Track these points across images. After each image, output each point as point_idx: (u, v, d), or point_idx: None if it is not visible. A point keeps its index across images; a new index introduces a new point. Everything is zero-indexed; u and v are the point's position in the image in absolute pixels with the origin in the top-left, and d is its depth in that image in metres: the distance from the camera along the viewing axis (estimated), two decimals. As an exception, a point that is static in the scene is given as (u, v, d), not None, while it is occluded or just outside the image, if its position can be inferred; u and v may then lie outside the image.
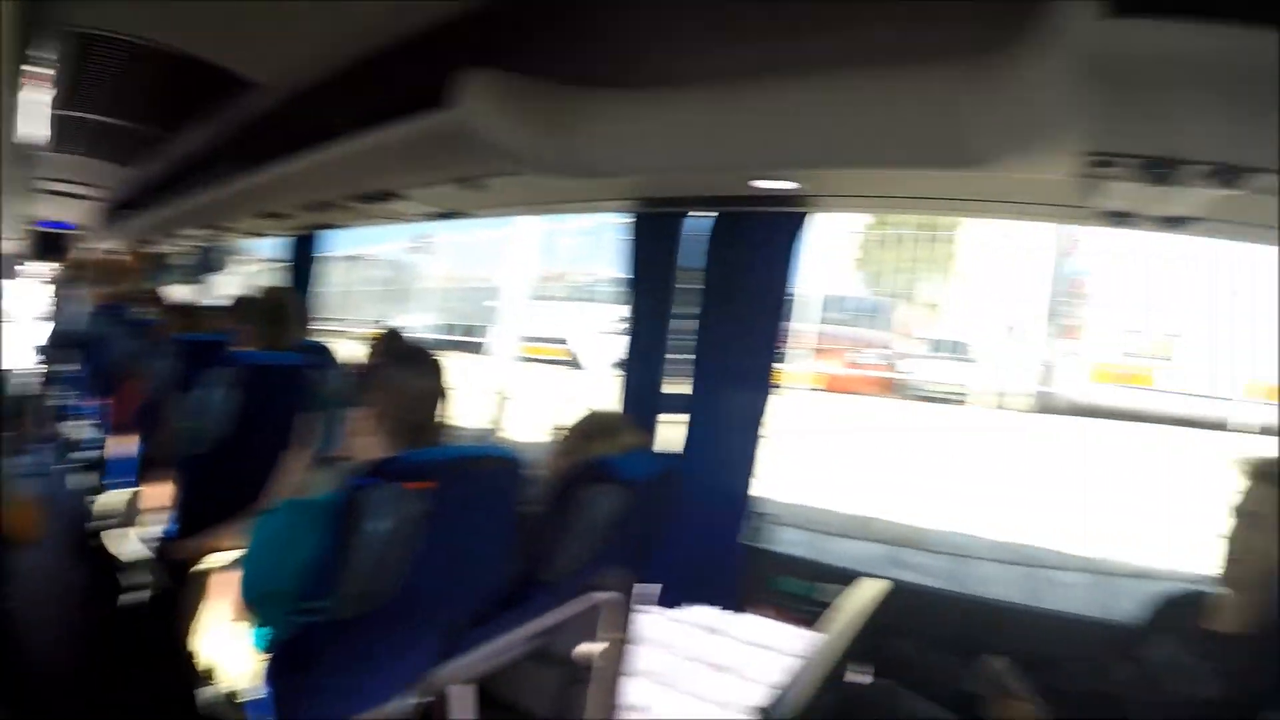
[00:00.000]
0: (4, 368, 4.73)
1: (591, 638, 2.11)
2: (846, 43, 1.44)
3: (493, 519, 1.68)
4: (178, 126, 3.94)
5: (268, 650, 1.68)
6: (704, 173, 2.32)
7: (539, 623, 1.94)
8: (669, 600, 2.54)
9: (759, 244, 2.73)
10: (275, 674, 1.64)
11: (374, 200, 3.36)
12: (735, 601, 2.77)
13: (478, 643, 1.79)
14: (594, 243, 11.56)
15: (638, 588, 2.19)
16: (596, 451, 2.04)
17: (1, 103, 2.69)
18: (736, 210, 2.72)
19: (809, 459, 7.27)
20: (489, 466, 1.64)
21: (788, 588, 2.85)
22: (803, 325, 10.18)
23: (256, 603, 1.70)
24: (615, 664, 2.17)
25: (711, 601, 2.74)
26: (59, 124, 4.09)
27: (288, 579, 1.56)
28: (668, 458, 2.19)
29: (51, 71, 3.01)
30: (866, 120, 1.49)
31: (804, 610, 2.66)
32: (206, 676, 2.04)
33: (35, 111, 3.47)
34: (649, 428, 2.78)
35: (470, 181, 2.73)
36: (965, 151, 1.49)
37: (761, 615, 2.78)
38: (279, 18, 2.47)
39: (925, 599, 2.65)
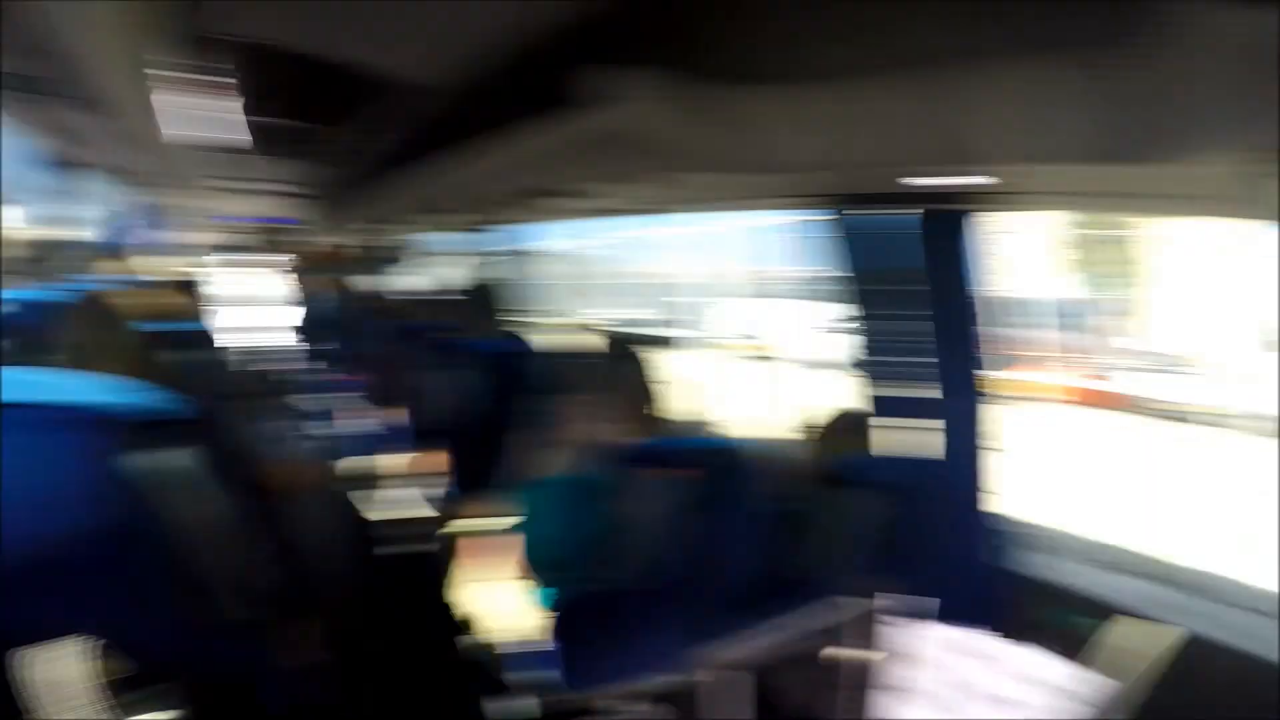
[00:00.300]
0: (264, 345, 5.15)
1: (840, 643, 2.07)
2: (1018, 31, 1.29)
3: (747, 513, 1.70)
4: (355, 128, 4.15)
5: (553, 609, 1.82)
6: (863, 170, 2.11)
7: (789, 621, 1.94)
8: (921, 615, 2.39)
9: (944, 242, 2.47)
10: (546, 634, 1.79)
11: (548, 196, 3.35)
12: (984, 623, 2.58)
13: (731, 633, 1.82)
14: (797, 239, 11.13)
15: (894, 599, 2.12)
16: (845, 451, 2.08)
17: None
18: (908, 208, 2.46)
19: (1046, 476, 6.65)
20: (744, 459, 1.67)
21: (1058, 620, 2.62)
22: (1010, 329, 9.17)
23: (540, 567, 1.83)
24: (863, 674, 2.07)
25: (962, 621, 2.57)
26: (264, 129, 4.37)
27: (565, 549, 1.72)
28: (895, 464, 2.05)
29: (222, 83, 3.17)
30: (1043, 112, 1.39)
31: (1065, 644, 2.43)
32: (466, 627, 2.24)
33: (227, 117, 3.73)
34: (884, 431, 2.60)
35: (646, 178, 2.67)
36: (1146, 145, 1.37)
37: (1014, 640, 2.58)
38: (420, 18, 2.48)
39: (1225, 655, 2.27)
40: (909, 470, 2.08)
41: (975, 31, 1.34)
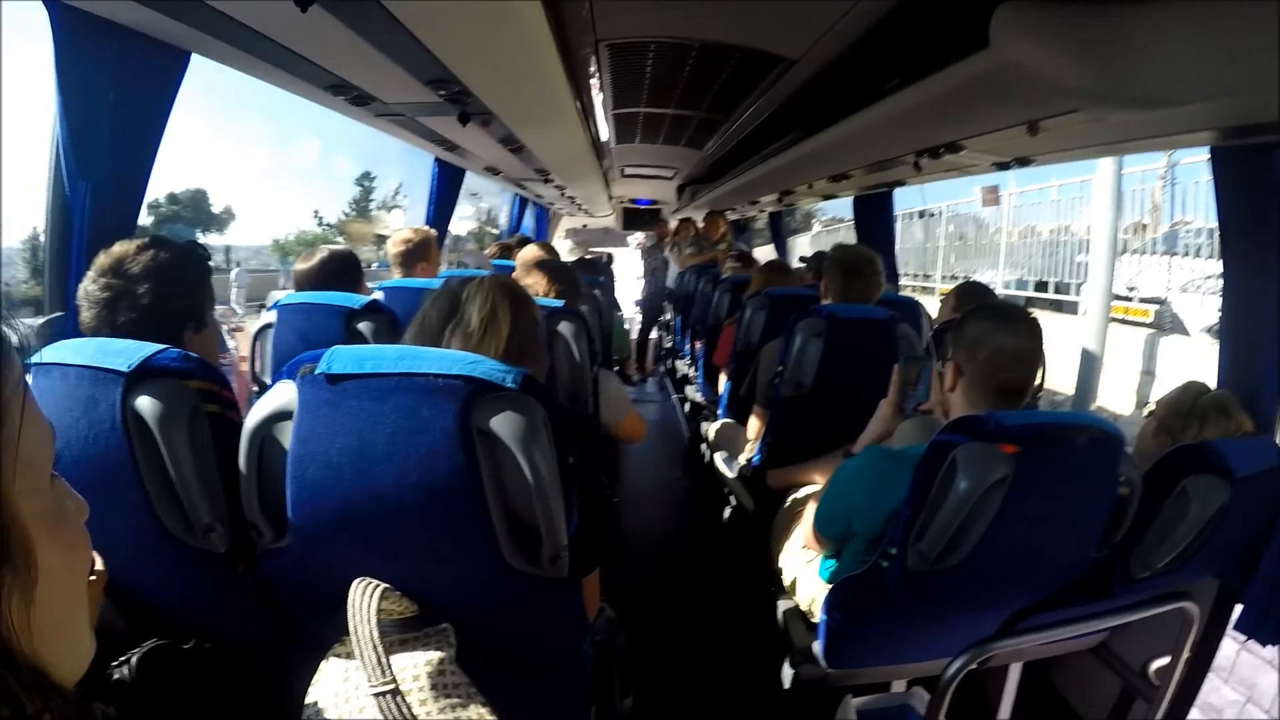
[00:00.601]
0: (621, 315, 5.54)
1: (1163, 649, 1.84)
2: None
3: (1081, 495, 1.54)
4: (732, 108, 4.23)
5: (830, 582, 1.82)
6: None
7: (1109, 619, 1.75)
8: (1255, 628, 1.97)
9: None
10: (835, 606, 1.76)
11: (934, 154, 3.23)
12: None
13: (1042, 624, 1.68)
14: (1190, 185, 9.51)
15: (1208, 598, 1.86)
16: (1198, 434, 1.84)
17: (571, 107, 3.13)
18: None
19: None
20: (1084, 438, 1.50)
21: None
22: None
23: (832, 538, 1.84)
24: (1186, 686, 1.86)
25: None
26: (629, 120, 4.72)
27: (865, 522, 1.68)
28: (1278, 450, 1.72)
29: (605, 79, 3.46)
30: None
31: None
32: (784, 591, 2.24)
33: (603, 112, 4.06)
34: (1260, 411, 2.18)
35: (1029, 125, 2.46)
36: None
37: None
38: None
39: None
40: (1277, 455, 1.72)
41: None
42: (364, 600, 1.07)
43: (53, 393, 1.26)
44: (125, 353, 1.28)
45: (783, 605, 2.19)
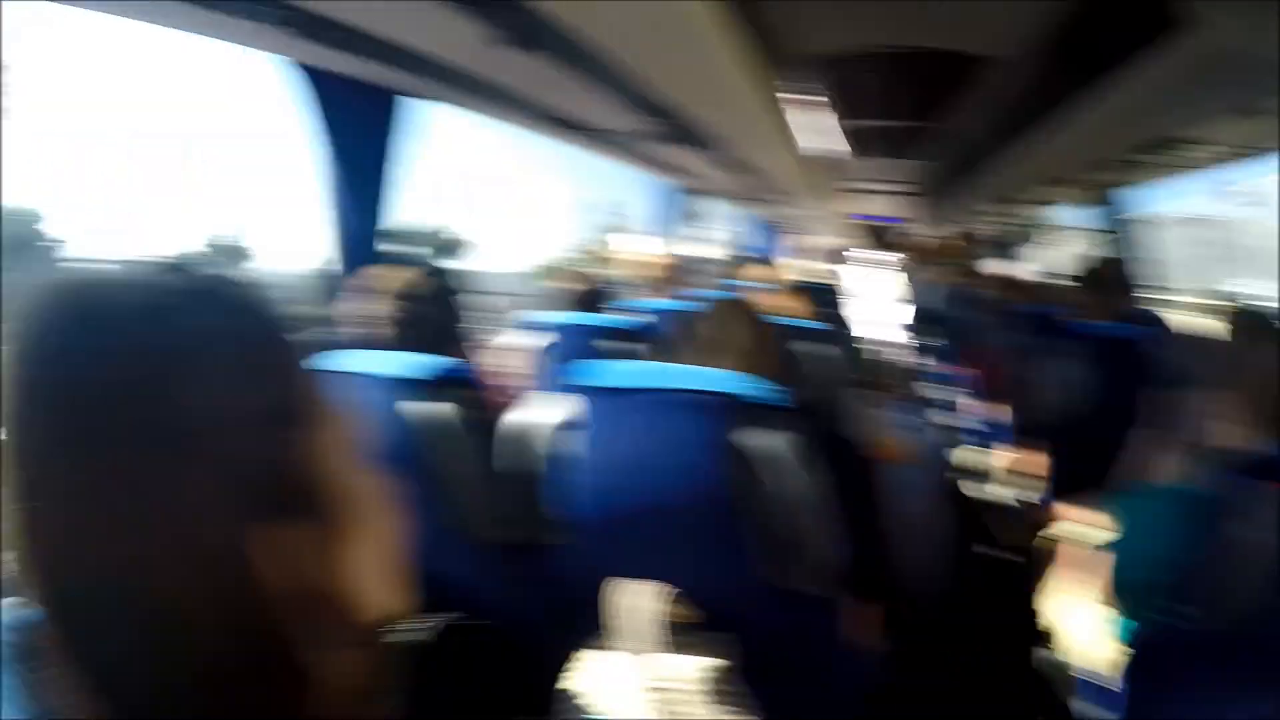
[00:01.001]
0: (878, 339, 5.42)
1: None
2: None
3: None
4: (944, 116, 4.10)
5: (1130, 644, 1.58)
6: None
7: None
8: None
9: None
10: (1133, 672, 1.55)
11: (1161, 149, 2.97)
12: None
13: None
14: None
15: None
16: None
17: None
18: None
19: None
20: None
21: None
22: None
23: (1123, 591, 1.60)
24: None
25: None
26: (856, 134, 4.61)
27: (1156, 571, 1.45)
28: None
29: (813, 94, 3.39)
30: None
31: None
32: (1046, 639, 2.08)
33: (826, 127, 3.99)
34: None
35: (1251, 109, 2.25)
36: None
37: None
38: None
39: None
40: None
41: None
42: (647, 602, 1.12)
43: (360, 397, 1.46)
44: (423, 364, 1.47)
45: (1048, 658, 2.04)
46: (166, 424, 0.46)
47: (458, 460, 1.43)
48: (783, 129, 3.45)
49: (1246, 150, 2.99)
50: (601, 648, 1.13)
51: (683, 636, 1.11)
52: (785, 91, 3.19)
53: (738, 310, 1.52)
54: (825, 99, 3.74)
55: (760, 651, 1.18)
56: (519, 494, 1.33)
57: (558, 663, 1.18)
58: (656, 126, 2.81)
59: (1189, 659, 1.34)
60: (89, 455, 0.45)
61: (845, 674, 1.43)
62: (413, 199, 2.61)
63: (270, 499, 0.49)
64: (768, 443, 1.13)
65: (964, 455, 3.73)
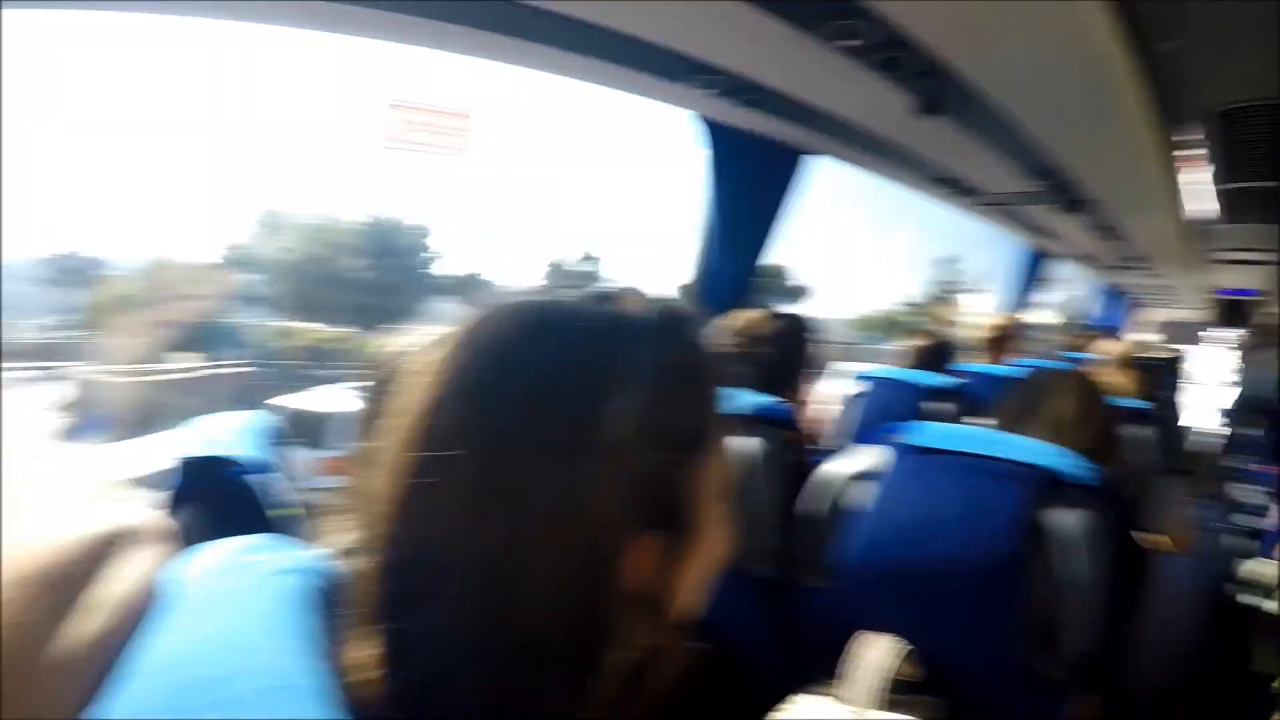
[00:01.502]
0: (1188, 425, 4.94)
1: None
2: None
3: None
4: None
5: None
6: None
7: None
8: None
9: None
10: None
11: None
12: None
13: None
14: None
15: None
16: None
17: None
18: None
19: None
20: None
21: None
22: None
23: None
24: None
25: None
26: (1227, 196, 4.25)
27: None
28: None
29: (1205, 150, 3.20)
30: None
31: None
32: None
33: (1200, 189, 3.74)
34: None
35: None
36: None
37: None
38: None
39: None
40: None
41: None
42: (878, 654, 1.13)
43: None
44: (745, 399, 1.55)
45: None
46: (588, 433, 0.51)
47: (758, 494, 1.50)
48: (1171, 192, 3.28)
49: None
50: (823, 692, 1.15)
51: (902, 694, 1.11)
52: (1179, 149, 3.07)
53: (1069, 382, 1.49)
54: (1212, 157, 3.52)
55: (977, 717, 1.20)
56: (807, 534, 1.37)
57: (778, 696, 1.19)
58: (1040, 189, 2.79)
59: None
60: (506, 448, 0.51)
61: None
62: (779, 243, 2.80)
63: (658, 512, 0.55)
64: (1065, 521, 1.10)
65: (1255, 566, 3.34)
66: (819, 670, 1.21)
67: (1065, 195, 2.80)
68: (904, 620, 1.19)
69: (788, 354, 2.00)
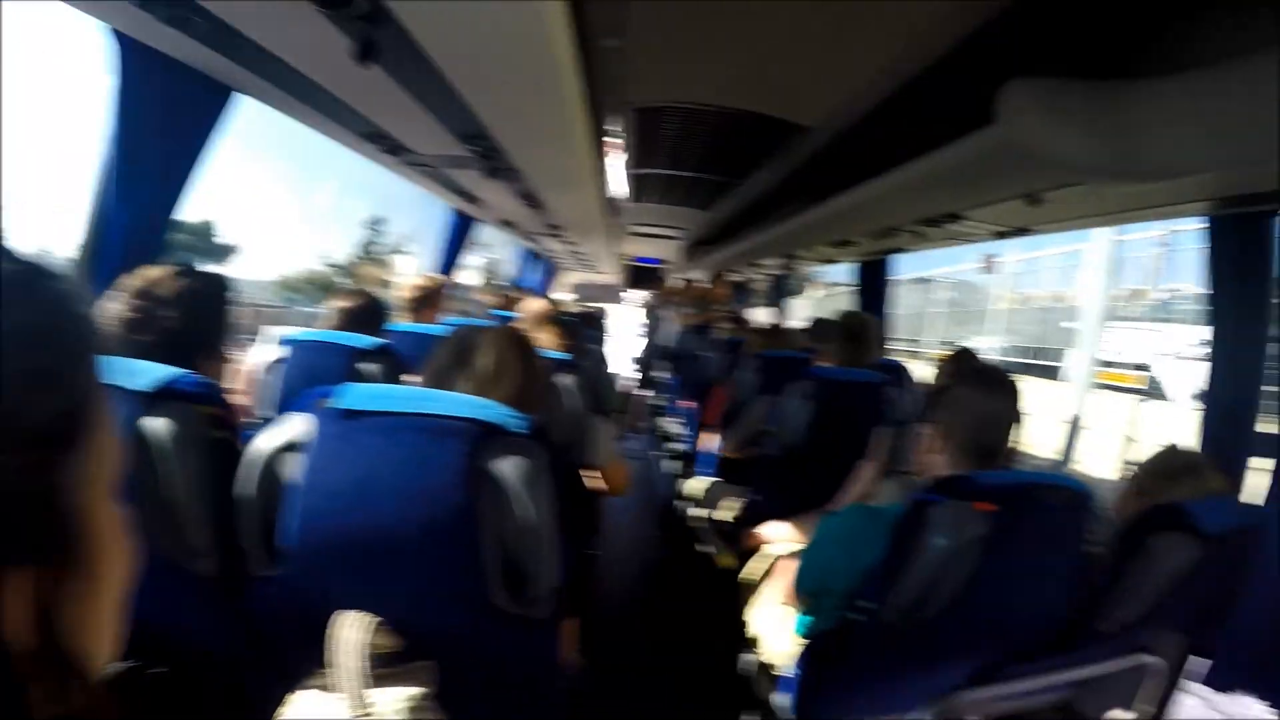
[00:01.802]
0: (612, 372, 5.60)
1: (1126, 704, 1.85)
2: None
3: (1055, 553, 1.59)
4: (743, 172, 4.42)
5: (807, 637, 1.85)
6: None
7: (1074, 673, 1.76)
8: (1224, 683, 2.02)
9: None
10: (809, 661, 1.80)
11: (937, 224, 3.33)
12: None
13: (1011, 678, 1.69)
14: (1175, 254, 9.94)
15: (1193, 660, 1.88)
16: (1173, 494, 1.86)
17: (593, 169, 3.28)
18: None
19: None
20: (1059, 498, 1.56)
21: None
22: None
23: (810, 593, 1.86)
24: None
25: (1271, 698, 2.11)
26: (641, 180, 4.88)
27: (844, 578, 1.70)
28: (1252, 510, 1.82)
29: (622, 140, 3.61)
30: None
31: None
32: (751, 645, 2.26)
33: (618, 172, 4.22)
34: (1235, 472, 2.30)
35: (1032, 197, 2.58)
36: None
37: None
38: (815, 68, 2.64)
39: None
40: (1247, 515, 1.76)
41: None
42: (351, 633, 1.09)
43: None
44: (145, 373, 1.32)
45: (750, 660, 2.22)
46: None
47: (177, 483, 1.30)
48: (597, 171, 3.57)
49: (1016, 229, 3.39)
50: (313, 685, 1.11)
51: (386, 667, 1.10)
52: (607, 136, 3.30)
53: (491, 337, 1.50)
54: (627, 146, 3.94)
55: (469, 676, 1.22)
56: (244, 520, 1.20)
57: (263, 702, 1.13)
58: (469, 154, 2.81)
59: (862, 646, 1.60)
60: None
61: (552, 693, 1.41)
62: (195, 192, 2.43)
63: (22, 537, 0.42)
64: (504, 468, 1.12)
65: (690, 483, 3.96)
66: (292, 662, 1.14)
67: (492, 163, 2.89)
68: (368, 591, 1.14)
69: (199, 318, 1.70)
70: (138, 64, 2.13)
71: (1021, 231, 3.43)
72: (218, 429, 1.36)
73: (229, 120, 2.38)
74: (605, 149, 3.57)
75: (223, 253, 34.61)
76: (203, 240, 32.27)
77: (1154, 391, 8.65)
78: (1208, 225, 2.52)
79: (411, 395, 1.17)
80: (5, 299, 0.41)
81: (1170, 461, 1.98)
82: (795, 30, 2.37)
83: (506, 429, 1.14)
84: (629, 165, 4.45)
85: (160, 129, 2.20)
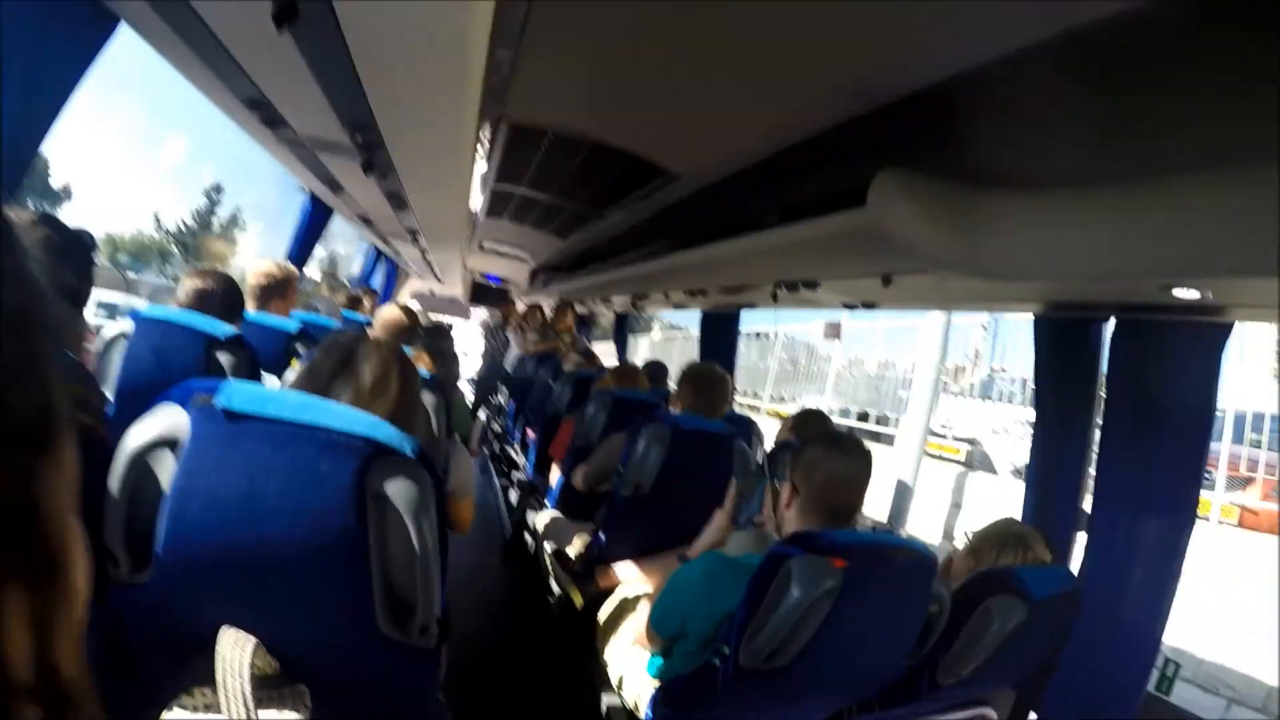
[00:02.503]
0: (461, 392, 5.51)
1: None
2: (1255, 138, 1.27)
3: (898, 608, 1.69)
4: (603, 205, 4.44)
5: (659, 678, 1.92)
6: (1110, 279, 2.09)
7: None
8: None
9: (1174, 354, 2.35)
10: (663, 702, 1.86)
11: (795, 288, 3.45)
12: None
13: None
14: (1009, 337, 11.00)
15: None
16: (1002, 560, 2.05)
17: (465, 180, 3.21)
18: (1149, 318, 2.39)
19: (1225, 607, 5.86)
20: (904, 558, 1.67)
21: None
22: (1223, 447, 7.52)
23: (666, 636, 1.90)
24: None
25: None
26: (502, 196, 4.81)
27: (701, 623, 1.76)
28: (1071, 578, 2.02)
29: (490, 153, 3.56)
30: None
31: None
32: (610, 687, 2.28)
33: (484, 185, 4.16)
34: (1060, 544, 2.53)
35: (884, 277, 2.73)
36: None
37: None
38: (696, 121, 2.69)
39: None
40: (1068, 582, 1.99)
41: (1222, 136, 1.34)
42: (236, 653, 1.03)
43: None
44: None
45: (607, 701, 2.23)
46: None
47: None
48: (465, 181, 3.49)
49: (865, 303, 3.57)
50: (178, 703, 1.07)
51: (270, 689, 1.08)
52: (480, 145, 3.22)
53: (375, 349, 1.44)
54: (505, 161, 3.93)
55: (348, 703, 1.19)
56: (110, 522, 1.09)
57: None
58: (352, 143, 2.69)
59: (716, 690, 1.65)
60: None
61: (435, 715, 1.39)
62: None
63: (12, 552, 0.37)
64: (395, 490, 1.08)
65: (533, 515, 3.93)
66: (155, 678, 1.08)
67: (370, 156, 2.77)
68: (246, 609, 1.08)
69: (57, 280, 1.50)
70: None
71: (869, 306, 3.63)
72: (80, 412, 1.22)
73: (103, 49, 2.12)
74: (476, 159, 3.48)
75: (54, 197, 31.36)
76: (37, 180, 29.29)
77: (977, 464, 9.35)
78: (1035, 321, 2.80)
79: (301, 403, 1.11)
80: None
81: (1004, 530, 2.15)
82: (684, 81, 2.42)
83: (398, 451, 1.11)
84: (494, 179, 4.40)
85: (34, 52, 1.94)
